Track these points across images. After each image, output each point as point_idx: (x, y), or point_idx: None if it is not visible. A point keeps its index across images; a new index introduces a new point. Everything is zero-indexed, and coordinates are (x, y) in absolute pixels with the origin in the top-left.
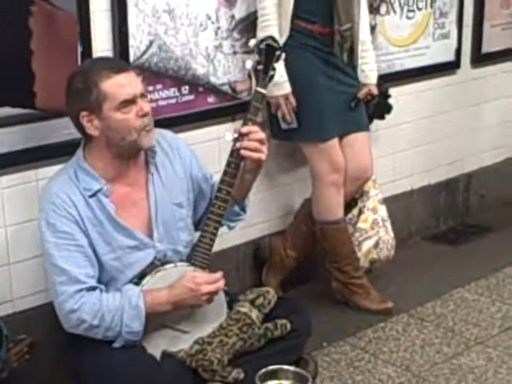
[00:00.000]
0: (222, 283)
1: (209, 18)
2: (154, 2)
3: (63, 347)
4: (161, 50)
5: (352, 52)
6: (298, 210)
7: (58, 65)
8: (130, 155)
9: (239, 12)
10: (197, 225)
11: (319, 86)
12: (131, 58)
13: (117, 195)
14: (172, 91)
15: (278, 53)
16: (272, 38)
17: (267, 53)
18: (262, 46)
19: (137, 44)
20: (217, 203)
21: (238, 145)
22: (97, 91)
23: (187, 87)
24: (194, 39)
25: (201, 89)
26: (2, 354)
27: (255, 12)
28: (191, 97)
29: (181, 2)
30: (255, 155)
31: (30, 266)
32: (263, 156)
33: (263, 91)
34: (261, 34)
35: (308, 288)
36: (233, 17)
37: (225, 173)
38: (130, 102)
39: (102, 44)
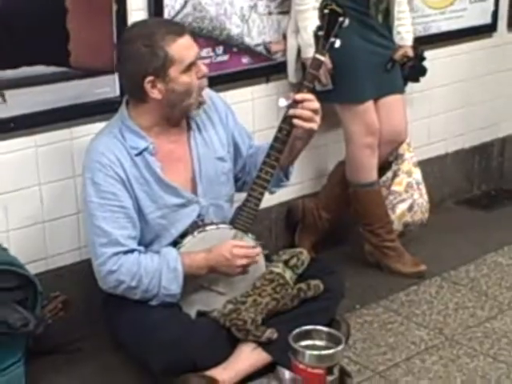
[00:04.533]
0: (257, 258)
1: None
2: None
3: (99, 305)
4: (195, 10)
5: (388, 13)
6: (331, 172)
7: (92, 23)
8: (180, 117)
9: None
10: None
11: (355, 47)
12: (166, 17)
13: (162, 153)
14: (206, 51)
15: (341, 19)
16: (337, 3)
17: (330, 18)
18: (326, 10)
19: (171, 3)
20: (264, 168)
21: (291, 112)
22: (164, 55)
23: (221, 47)
24: None
25: (235, 49)
26: (37, 311)
27: None
28: (225, 57)
29: None
30: (307, 125)
31: (64, 224)
32: (315, 126)
33: (322, 58)
34: None
35: (340, 250)
36: None
37: (275, 139)
38: (193, 64)
39: (136, 3)
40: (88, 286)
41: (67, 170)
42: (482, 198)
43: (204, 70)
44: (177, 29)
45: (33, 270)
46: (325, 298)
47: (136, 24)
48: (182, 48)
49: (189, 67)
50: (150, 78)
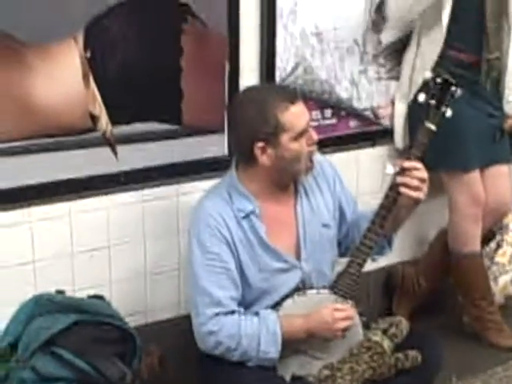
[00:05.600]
0: (356, 319)
1: (356, 42)
2: (303, 25)
3: (195, 363)
4: (306, 73)
5: (498, 82)
6: (433, 239)
7: (205, 83)
8: (288, 182)
9: (386, 37)
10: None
11: (464, 116)
12: (277, 78)
13: (267, 216)
14: (315, 114)
15: (453, 89)
16: (449, 71)
17: (442, 88)
18: (439, 79)
19: (283, 65)
20: (368, 235)
21: (398, 179)
22: (275, 123)
23: (330, 110)
24: (340, 63)
25: (343, 113)
26: (134, 365)
27: (402, 38)
28: (333, 120)
29: (329, 25)
30: (414, 194)
31: (166, 279)
32: (422, 195)
33: (432, 127)
34: None
35: (438, 320)
36: (379, 42)
37: (381, 206)
38: (304, 131)
39: (249, 64)
40: (185, 341)
41: (172, 226)
42: None
43: (315, 137)
44: (289, 96)
45: (132, 322)
46: (422, 370)
47: (248, 89)
48: (294, 116)
49: (300, 135)
50: (260, 143)
